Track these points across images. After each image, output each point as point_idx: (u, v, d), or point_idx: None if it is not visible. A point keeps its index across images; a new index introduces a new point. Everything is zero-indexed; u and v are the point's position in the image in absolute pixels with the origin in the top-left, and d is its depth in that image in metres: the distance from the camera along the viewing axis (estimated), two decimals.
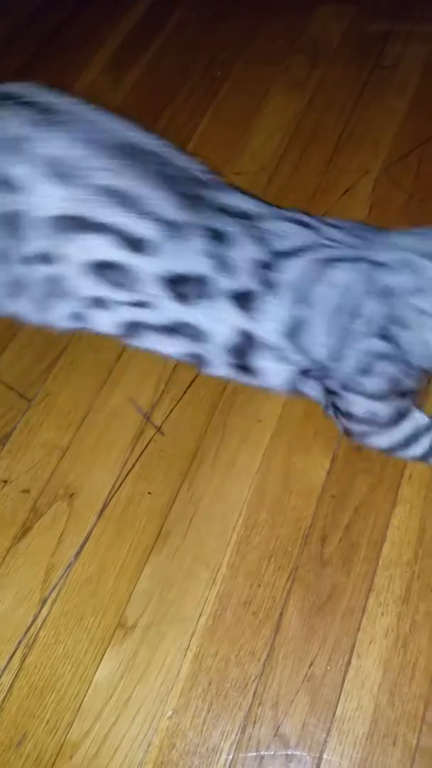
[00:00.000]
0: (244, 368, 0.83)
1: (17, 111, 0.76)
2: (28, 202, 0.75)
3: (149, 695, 0.79)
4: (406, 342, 0.76)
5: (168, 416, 0.99)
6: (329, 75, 1.30)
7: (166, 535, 0.89)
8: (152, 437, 0.97)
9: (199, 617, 0.84)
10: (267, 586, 0.86)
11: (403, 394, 0.82)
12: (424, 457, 0.88)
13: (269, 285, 0.77)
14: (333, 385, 0.81)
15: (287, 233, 0.78)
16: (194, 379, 1.02)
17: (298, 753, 0.76)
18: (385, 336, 0.75)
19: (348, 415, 0.84)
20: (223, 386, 1.01)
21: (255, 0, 1.48)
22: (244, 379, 0.85)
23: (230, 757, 0.76)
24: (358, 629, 0.82)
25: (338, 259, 0.75)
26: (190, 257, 0.77)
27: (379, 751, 0.75)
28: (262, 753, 0.76)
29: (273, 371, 0.82)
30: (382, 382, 0.78)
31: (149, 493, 0.93)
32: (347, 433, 0.87)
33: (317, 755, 0.76)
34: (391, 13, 1.43)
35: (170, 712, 0.78)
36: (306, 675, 0.80)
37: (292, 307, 0.77)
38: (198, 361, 0.84)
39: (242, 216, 0.79)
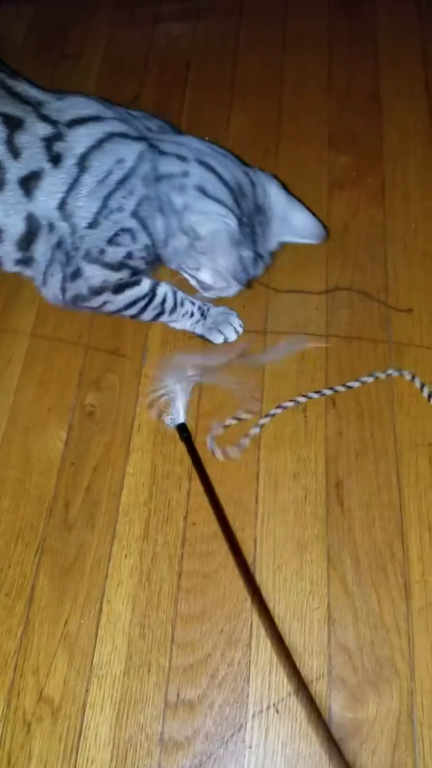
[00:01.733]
0: (27, 260, 0.90)
1: None
2: None
3: None
4: (153, 226, 0.86)
5: None
6: (19, 71, 1.32)
7: None
8: None
9: None
10: (17, 565, 0.87)
11: (133, 270, 0.91)
12: (135, 317, 0.98)
13: (57, 158, 0.83)
14: (77, 258, 0.87)
15: (78, 104, 0.86)
16: None
17: (62, 709, 0.78)
18: (137, 214, 0.85)
19: (82, 286, 0.91)
20: None
21: None
22: (27, 272, 0.92)
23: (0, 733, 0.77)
24: (106, 577, 0.86)
25: (123, 135, 0.83)
26: None
27: (136, 682, 0.79)
28: (29, 720, 0.78)
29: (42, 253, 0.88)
30: (120, 253, 0.87)
31: None
32: (75, 300, 0.94)
33: (81, 705, 0.78)
34: (66, 7, 1.49)
35: None
36: (62, 634, 0.82)
37: (72, 174, 0.83)
38: None
39: (34, 100, 0.84)
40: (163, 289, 0.97)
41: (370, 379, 0.95)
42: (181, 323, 1.01)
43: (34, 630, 0.83)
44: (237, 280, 0.89)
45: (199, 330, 1.01)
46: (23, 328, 1.06)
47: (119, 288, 0.93)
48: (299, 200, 0.97)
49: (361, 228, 1.11)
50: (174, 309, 0.98)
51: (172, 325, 1.02)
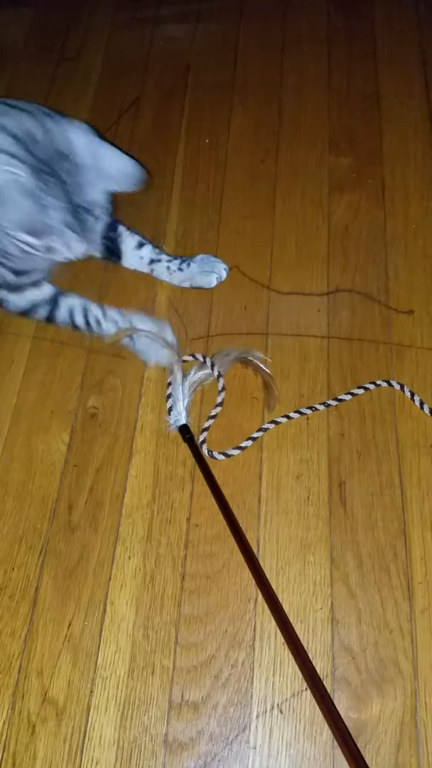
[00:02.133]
0: None
1: None
2: None
3: None
4: None
5: None
6: (18, 74, 1.34)
7: None
8: None
9: None
10: (20, 567, 0.87)
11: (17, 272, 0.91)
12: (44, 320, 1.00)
13: None
14: None
15: None
16: None
17: (67, 710, 0.78)
18: None
19: None
20: None
21: None
22: None
23: (3, 735, 0.77)
24: (110, 578, 0.86)
25: None
26: None
27: (140, 684, 0.79)
28: (33, 721, 0.78)
29: None
30: None
31: None
32: None
33: (85, 707, 0.78)
34: (67, 9, 1.49)
35: None
36: (66, 636, 0.82)
37: None
38: None
39: None
40: (71, 302, 0.94)
41: (360, 391, 0.95)
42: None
43: (38, 631, 0.83)
44: (60, 232, 0.85)
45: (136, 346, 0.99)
46: (26, 330, 1.06)
47: (17, 288, 0.92)
48: (115, 146, 0.93)
49: (361, 229, 1.12)
50: (89, 328, 0.96)
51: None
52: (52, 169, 0.84)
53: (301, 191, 1.17)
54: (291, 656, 0.79)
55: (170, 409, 0.97)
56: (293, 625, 0.80)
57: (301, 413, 0.94)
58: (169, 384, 0.97)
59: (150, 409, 0.98)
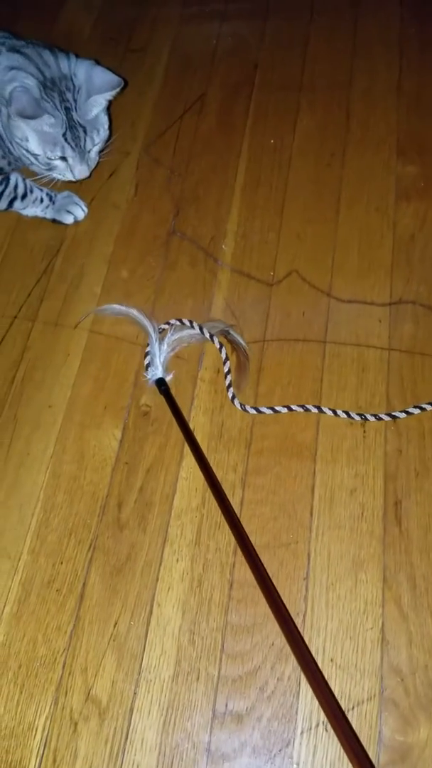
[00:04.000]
0: None
1: None
2: None
3: None
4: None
5: None
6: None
7: None
8: None
9: (4, 607, 0.85)
10: (69, 561, 0.87)
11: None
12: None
13: None
14: None
15: None
16: None
17: (110, 711, 0.78)
18: None
19: None
20: (11, 377, 1.02)
21: (4, 2, 1.49)
22: None
23: (45, 731, 0.77)
24: (157, 580, 0.85)
25: None
26: None
27: (185, 689, 0.79)
28: (76, 719, 0.78)
29: None
30: None
31: None
32: None
33: (128, 708, 0.78)
34: (135, 0, 1.48)
35: None
36: (111, 635, 0.82)
37: None
38: None
39: None
40: (15, 177, 1.10)
41: (416, 411, 0.93)
42: (32, 209, 1.14)
43: (84, 628, 0.83)
44: (60, 146, 1.01)
45: (49, 214, 1.14)
46: (82, 324, 1.06)
47: None
48: (103, 66, 1.04)
49: (427, 240, 1.09)
50: (25, 195, 1.11)
51: (24, 212, 1.15)
52: (55, 86, 0.99)
53: (366, 198, 1.15)
54: (338, 674, 0.78)
55: (147, 366, 1.00)
56: (342, 642, 0.79)
57: (350, 417, 0.92)
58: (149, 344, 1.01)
59: (202, 412, 0.97)
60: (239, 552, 0.85)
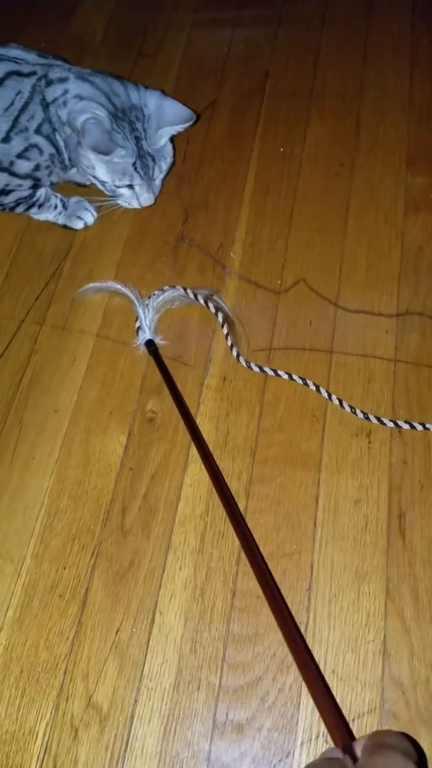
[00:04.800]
0: None
1: None
2: None
3: None
4: (55, 139, 1.02)
5: None
6: (96, 68, 1.32)
7: None
8: None
9: (6, 611, 0.85)
10: (72, 567, 0.87)
11: (36, 181, 1.07)
12: (12, 210, 1.12)
13: None
14: None
15: None
16: None
17: (110, 717, 0.78)
18: (40, 132, 1.01)
19: None
20: (18, 380, 1.02)
21: (16, 4, 1.49)
22: None
23: (46, 736, 0.77)
24: (160, 587, 0.85)
25: (17, 73, 0.99)
26: None
27: (185, 698, 0.79)
28: (76, 725, 0.78)
29: None
30: (28, 166, 1.03)
31: None
32: None
33: (129, 715, 0.78)
34: (147, 4, 1.48)
35: None
36: (113, 642, 0.82)
37: None
38: None
39: None
40: (40, 189, 1.10)
41: (420, 427, 0.93)
42: (45, 215, 1.15)
43: (86, 634, 0.83)
44: (129, 175, 1.01)
45: (61, 220, 1.15)
46: (89, 328, 1.06)
47: (10, 191, 1.05)
48: (171, 98, 1.04)
49: None
50: (43, 203, 1.12)
51: (36, 216, 1.16)
52: (126, 116, 1.00)
53: (375, 208, 1.15)
54: (339, 685, 0.77)
55: (138, 329, 1.04)
56: (344, 654, 0.79)
57: (354, 412, 0.92)
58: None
59: (208, 419, 0.97)
60: (242, 561, 0.85)
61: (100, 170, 1.03)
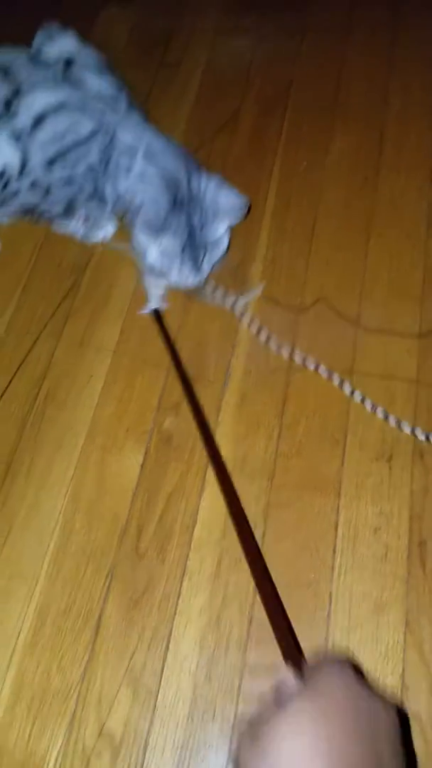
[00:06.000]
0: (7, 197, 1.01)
1: None
2: None
3: None
4: (102, 191, 1.01)
5: None
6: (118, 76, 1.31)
7: None
8: None
9: (19, 634, 0.84)
10: (85, 590, 0.86)
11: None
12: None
13: (15, 114, 0.96)
14: (21, 181, 0.99)
15: (37, 78, 0.97)
16: (2, 395, 1.01)
17: (123, 747, 0.77)
18: (89, 175, 0.99)
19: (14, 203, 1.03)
20: (34, 395, 1.01)
21: (38, 10, 1.48)
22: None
23: (57, 765, 0.76)
24: (175, 614, 0.84)
25: (82, 110, 0.96)
26: None
27: (200, 728, 0.77)
28: (88, 754, 0.77)
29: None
30: (64, 197, 1.01)
31: None
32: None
33: (142, 745, 0.77)
34: (170, 12, 1.46)
35: None
36: (127, 669, 0.81)
37: (28, 125, 0.96)
38: None
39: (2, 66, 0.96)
40: None
41: None
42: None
43: (99, 660, 0.82)
44: (178, 261, 0.99)
45: (81, 231, 1.12)
46: (107, 344, 1.05)
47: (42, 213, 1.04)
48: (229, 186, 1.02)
49: None
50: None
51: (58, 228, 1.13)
52: (183, 207, 0.98)
53: (398, 225, 1.13)
54: None
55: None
56: None
57: (374, 411, 0.90)
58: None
59: (226, 439, 0.96)
60: None
61: (150, 253, 1.01)
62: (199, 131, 1.26)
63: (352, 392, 0.98)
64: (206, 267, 1.04)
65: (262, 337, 1.04)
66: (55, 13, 1.38)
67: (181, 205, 0.99)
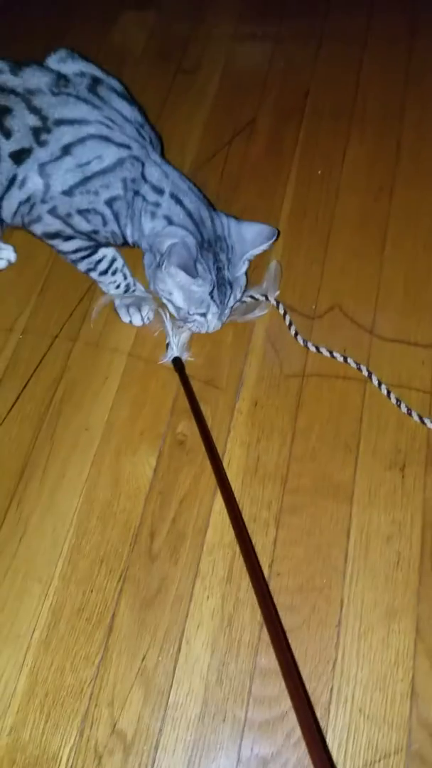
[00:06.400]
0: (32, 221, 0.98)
1: None
2: None
3: None
4: (124, 225, 0.98)
5: None
6: (136, 82, 1.32)
7: None
8: None
9: (33, 632, 0.85)
10: (99, 590, 0.87)
11: (96, 243, 1.02)
12: (74, 263, 1.06)
13: (44, 143, 0.92)
14: (42, 208, 0.96)
15: (69, 104, 0.92)
16: (19, 395, 1.03)
17: (135, 746, 0.78)
18: (111, 206, 0.95)
19: (37, 229, 0.99)
20: (50, 396, 1.02)
21: (56, 13, 1.49)
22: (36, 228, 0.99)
23: (69, 762, 0.77)
24: (187, 616, 0.85)
25: (106, 138, 0.93)
26: None
27: (210, 730, 0.78)
28: (100, 752, 0.78)
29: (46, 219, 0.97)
30: (86, 227, 0.97)
31: None
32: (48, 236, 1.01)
33: (153, 744, 0.78)
34: (189, 17, 1.47)
35: (9, 730, 0.79)
36: (139, 669, 0.82)
37: (55, 154, 0.92)
38: None
39: (26, 92, 0.91)
40: (105, 251, 1.04)
41: None
42: (106, 288, 1.09)
43: (112, 660, 0.83)
44: (206, 304, 0.98)
45: (117, 302, 1.09)
46: (122, 347, 1.06)
47: (70, 237, 1.00)
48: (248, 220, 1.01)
49: None
50: (105, 273, 1.06)
51: (100, 286, 1.10)
52: (212, 247, 0.96)
53: (414, 234, 1.14)
54: (366, 724, 0.77)
55: (167, 346, 1.04)
56: (372, 693, 0.78)
57: (398, 405, 0.91)
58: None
59: (239, 444, 0.97)
60: (271, 594, 0.84)
61: (177, 297, 0.99)
62: (215, 137, 1.27)
63: (370, 375, 1.01)
64: (228, 310, 1.03)
65: (292, 331, 1.06)
66: (72, 18, 1.39)
67: (209, 245, 0.96)
